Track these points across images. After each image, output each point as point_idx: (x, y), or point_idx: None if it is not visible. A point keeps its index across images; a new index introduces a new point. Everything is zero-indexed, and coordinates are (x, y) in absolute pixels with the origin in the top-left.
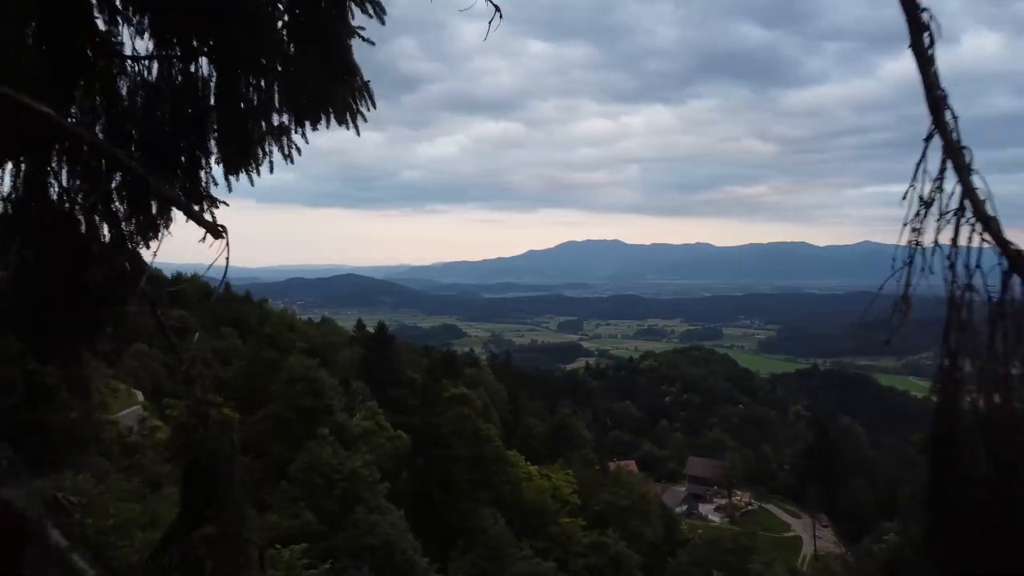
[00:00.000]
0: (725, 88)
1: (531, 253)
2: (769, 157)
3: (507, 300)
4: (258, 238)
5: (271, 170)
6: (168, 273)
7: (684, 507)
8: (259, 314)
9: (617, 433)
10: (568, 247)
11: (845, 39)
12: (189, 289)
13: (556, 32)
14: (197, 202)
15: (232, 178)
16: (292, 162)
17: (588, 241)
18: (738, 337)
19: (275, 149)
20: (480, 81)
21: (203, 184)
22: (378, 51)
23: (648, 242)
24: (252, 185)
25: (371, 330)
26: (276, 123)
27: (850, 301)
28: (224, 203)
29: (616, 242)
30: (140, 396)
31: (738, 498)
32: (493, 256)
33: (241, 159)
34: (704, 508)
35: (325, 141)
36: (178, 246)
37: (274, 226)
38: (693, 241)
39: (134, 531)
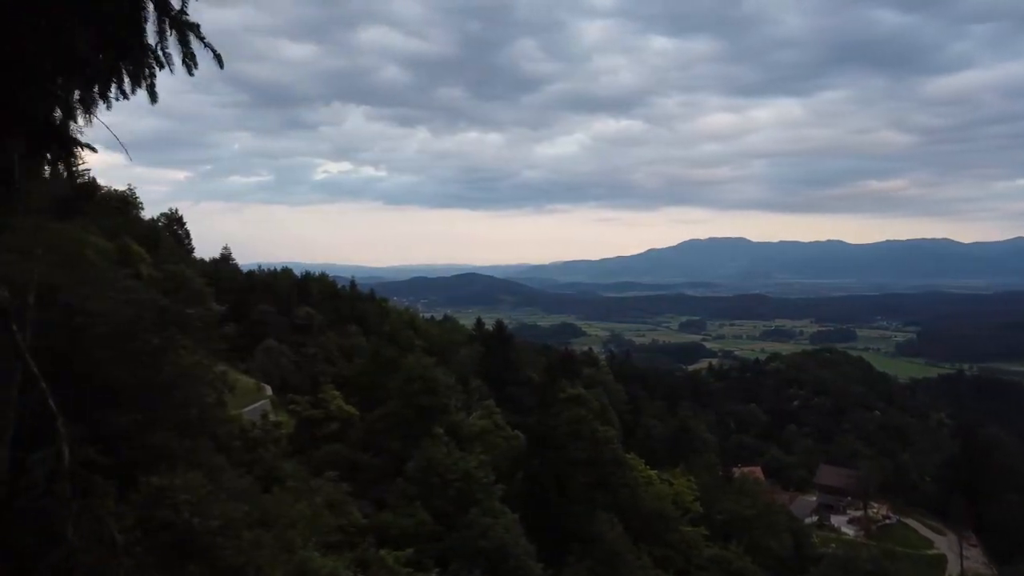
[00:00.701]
0: (859, 77)
1: (652, 252)
2: (908, 148)
3: (627, 299)
4: (384, 239)
5: (148, 87)
6: (298, 272)
7: (814, 518)
8: (378, 312)
9: (741, 437)
10: (690, 245)
11: (993, 20)
12: (313, 288)
13: (679, 27)
14: (47, 146)
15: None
16: (193, 70)
17: (712, 239)
18: (874, 339)
19: (174, 52)
20: (600, 80)
21: (56, 115)
22: (499, 53)
23: (775, 239)
24: (108, 109)
25: (490, 328)
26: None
27: (999, 302)
28: (90, 147)
29: (741, 240)
30: (269, 391)
31: (874, 510)
32: (612, 255)
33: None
34: (836, 520)
35: (448, 145)
36: (309, 246)
37: (398, 227)
38: (824, 238)
39: (241, 531)
